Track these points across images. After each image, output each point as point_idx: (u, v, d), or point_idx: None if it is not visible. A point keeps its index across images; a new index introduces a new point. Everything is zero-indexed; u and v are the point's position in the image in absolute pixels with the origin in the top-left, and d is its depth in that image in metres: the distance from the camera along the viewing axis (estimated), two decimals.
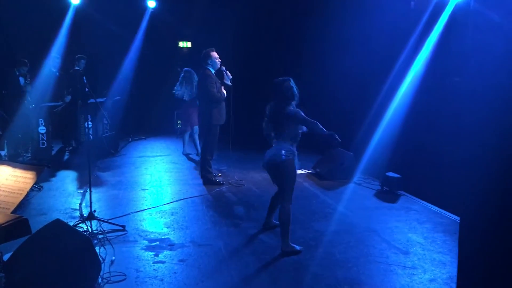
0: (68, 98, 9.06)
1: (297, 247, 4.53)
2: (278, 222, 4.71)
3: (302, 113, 4.54)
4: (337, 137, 4.65)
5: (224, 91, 6.78)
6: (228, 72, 6.83)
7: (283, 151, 4.48)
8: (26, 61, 8.59)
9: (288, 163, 4.49)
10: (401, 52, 7.36)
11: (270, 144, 4.68)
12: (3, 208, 2.73)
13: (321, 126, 4.57)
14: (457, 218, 5.04)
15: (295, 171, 4.58)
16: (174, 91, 8.81)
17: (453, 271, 3.68)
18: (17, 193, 2.78)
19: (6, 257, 3.41)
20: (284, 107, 4.53)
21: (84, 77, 8.24)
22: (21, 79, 8.48)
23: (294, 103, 4.61)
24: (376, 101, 7.66)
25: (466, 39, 3.06)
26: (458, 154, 4.95)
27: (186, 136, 8.93)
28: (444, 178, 5.78)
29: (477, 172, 2.87)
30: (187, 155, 8.97)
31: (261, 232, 5.00)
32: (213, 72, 6.75)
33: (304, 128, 4.63)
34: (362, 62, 7.97)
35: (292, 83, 4.61)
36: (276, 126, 4.58)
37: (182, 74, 8.76)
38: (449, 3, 6.63)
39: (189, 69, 8.74)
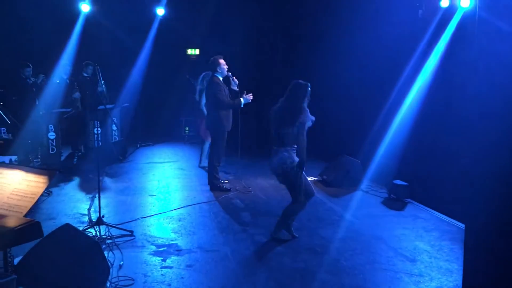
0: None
1: (285, 237, 4.91)
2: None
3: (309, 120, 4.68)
4: (303, 169, 4.76)
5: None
6: (234, 78, 6.90)
7: (286, 161, 4.68)
8: (27, 62, 8.71)
9: (292, 172, 4.69)
10: (408, 61, 7.38)
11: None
12: (16, 211, 2.79)
13: (305, 149, 4.71)
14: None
15: (303, 176, 4.75)
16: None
17: (460, 279, 3.67)
18: (30, 197, 2.83)
19: (16, 260, 3.46)
20: (296, 104, 4.70)
21: (98, 83, 8.40)
22: (31, 80, 8.59)
23: (305, 104, 4.76)
24: (384, 109, 7.68)
25: (473, 47, 3.08)
26: (466, 162, 4.96)
27: (206, 147, 8.29)
28: (451, 186, 5.78)
29: (483, 180, 2.89)
30: (203, 168, 8.34)
31: (268, 238, 5.01)
32: (221, 79, 6.82)
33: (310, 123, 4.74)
34: (370, 70, 8.00)
35: (309, 88, 4.82)
36: (280, 127, 4.74)
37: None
38: (457, 12, 6.65)
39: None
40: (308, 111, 4.77)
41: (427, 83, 7.13)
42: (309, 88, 4.82)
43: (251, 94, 6.81)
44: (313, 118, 4.79)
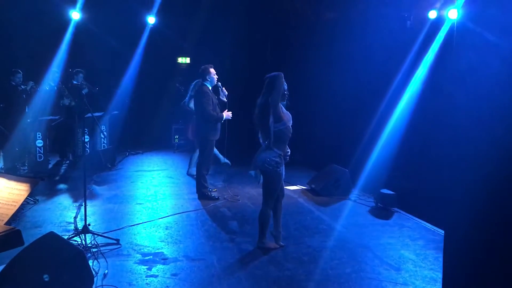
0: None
1: (271, 245, 4.94)
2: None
3: (280, 111, 4.68)
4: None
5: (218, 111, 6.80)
6: (224, 88, 6.91)
7: (269, 161, 4.69)
8: (18, 69, 8.70)
9: (274, 174, 4.75)
10: (397, 71, 7.46)
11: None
12: None
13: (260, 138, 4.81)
14: None
15: (280, 180, 4.82)
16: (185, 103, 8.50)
17: None
18: (11, 204, 2.81)
19: None
20: (270, 98, 4.66)
21: (83, 91, 8.39)
22: (21, 87, 8.57)
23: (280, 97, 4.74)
24: (373, 119, 7.74)
25: (462, 59, 3.12)
26: (450, 171, 5.00)
27: (196, 156, 8.15)
28: (436, 195, 5.81)
29: (463, 187, 2.92)
30: (192, 176, 8.34)
31: (255, 247, 5.01)
32: (210, 88, 6.83)
33: (289, 125, 4.74)
34: (359, 81, 8.07)
35: (282, 78, 4.79)
36: (261, 123, 4.74)
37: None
38: (445, 23, 6.74)
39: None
40: (286, 114, 4.77)
41: (416, 93, 7.21)
42: (282, 78, 4.78)
43: (230, 112, 6.85)
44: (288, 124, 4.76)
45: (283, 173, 4.87)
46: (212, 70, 6.85)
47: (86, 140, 9.30)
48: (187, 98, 8.39)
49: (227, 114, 6.82)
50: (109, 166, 9.19)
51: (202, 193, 6.98)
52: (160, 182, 8.19)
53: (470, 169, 2.98)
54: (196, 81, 8.17)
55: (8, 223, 2.84)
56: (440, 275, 4.26)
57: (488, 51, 2.83)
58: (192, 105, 8.14)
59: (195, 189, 7.17)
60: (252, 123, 4.98)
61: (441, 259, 4.60)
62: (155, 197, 7.11)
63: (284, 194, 5.10)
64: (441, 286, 4.01)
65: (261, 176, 4.84)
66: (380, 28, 7.64)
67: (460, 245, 2.79)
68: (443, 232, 5.44)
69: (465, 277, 2.76)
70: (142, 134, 11.80)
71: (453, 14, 6.49)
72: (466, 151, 3.06)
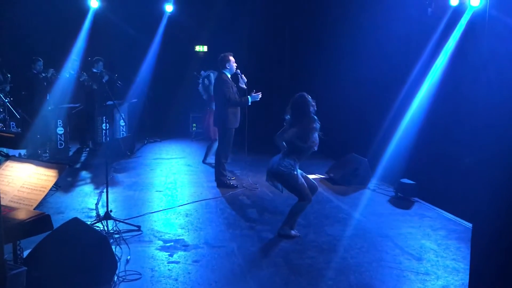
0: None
1: (293, 233, 4.94)
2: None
3: (313, 137, 4.72)
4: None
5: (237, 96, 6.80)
6: (243, 75, 6.89)
7: (283, 164, 4.75)
8: (38, 57, 8.81)
9: (289, 176, 4.77)
10: (418, 59, 7.35)
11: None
12: (26, 204, 2.81)
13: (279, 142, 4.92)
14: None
15: (298, 178, 4.81)
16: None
17: (467, 278, 3.66)
18: (40, 190, 2.86)
19: (25, 253, 3.50)
20: (303, 119, 4.73)
21: (104, 79, 8.48)
22: (42, 75, 8.69)
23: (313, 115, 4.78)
24: (393, 108, 7.65)
25: (483, 47, 3.07)
26: (474, 161, 4.94)
27: (214, 146, 8.22)
28: (459, 186, 5.76)
29: (491, 179, 2.88)
30: (209, 164, 8.40)
31: (275, 235, 5.03)
32: (229, 76, 6.83)
33: (315, 148, 4.81)
34: (379, 69, 7.97)
35: (308, 97, 4.81)
36: (291, 137, 4.78)
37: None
38: (467, 10, 6.61)
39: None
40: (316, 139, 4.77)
41: (436, 82, 7.10)
42: (309, 98, 4.81)
43: (260, 93, 6.82)
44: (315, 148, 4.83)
45: (299, 173, 4.88)
46: (232, 58, 6.83)
47: (105, 128, 9.40)
48: (199, 88, 8.43)
49: (254, 95, 6.76)
50: (128, 153, 9.27)
51: (221, 181, 7.01)
52: (179, 170, 8.25)
53: (493, 159, 2.94)
54: (207, 72, 8.31)
55: (35, 208, 2.89)
56: (462, 265, 4.26)
57: (511, 38, 2.78)
58: (205, 95, 8.28)
59: (213, 177, 7.21)
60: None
61: (463, 250, 4.61)
62: (174, 184, 7.17)
63: (316, 188, 5.09)
64: (463, 276, 4.01)
65: (279, 184, 4.90)
66: (400, 15, 7.52)
67: (489, 239, 2.76)
68: (465, 222, 5.43)
69: (493, 270, 2.73)
70: (160, 122, 11.86)
71: (475, 1, 6.37)
72: (489, 140, 3.02)
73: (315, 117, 4.80)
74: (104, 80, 8.48)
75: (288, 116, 4.89)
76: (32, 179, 2.92)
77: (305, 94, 4.84)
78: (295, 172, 4.78)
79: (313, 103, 4.82)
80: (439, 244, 4.84)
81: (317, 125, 4.76)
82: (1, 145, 3.24)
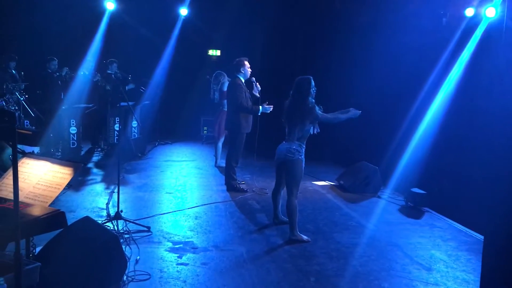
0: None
1: (305, 237, 5.00)
2: (287, 218, 5.14)
3: (318, 110, 4.95)
4: (357, 112, 5.34)
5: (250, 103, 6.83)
6: (257, 84, 6.87)
7: (292, 151, 4.94)
8: (53, 57, 8.92)
9: (296, 163, 4.95)
10: (432, 69, 7.33)
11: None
12: (42, 201, 2.86)
13: (340, 116, 5.13)
14: (483, 237, 4.98)
15: (302, 170, 5.04)
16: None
17: None
18: (55, 187, 2.90)
19: (37, 250, 3.54)
20: (302, 102, 4.94)
21: (128, 86, 8.66)
22: (56, 74, 8.80)
23: (311, 99, 4.99)
24: (406, 119, 7.62)
25: (499, 58, 3.05)
26: (486, 173, 4.90)
27: (219, 146, 8.56)
28: (470, 197, 5.72)
29: (504, 191, 2.86)
30: (220, 167, 8.36)
31: (284, 240, 5.03)
32: (243, 81, 6.84)
33: (316, 129, 5.03)
34: (393, 79, 7.95)
35: (312, 81, 5.05)
36: (290, 123, 5.02)
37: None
38: (482, 21, 6.59)
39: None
40: (318, 108, 4.96)
41: (450, 92, 7.07)
42: (312, 81, 5.03)
43: (272, 106, 6.80)
44: (317, 130, 5.06)
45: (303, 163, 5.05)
46: (247, 63, 6.85)
47: (117, 128, 9.48)
48: (211, 93, 8.59)
49: (265, 107, 6.75)
50: (139, 155, 9.33)
51: (231, 185, 7.03)
52: (189, 172, 8.28)
53: (507, 171, 2.93)
54: (216, 72, 8.53)
55: (50, 205, 2.93)
56: (472, 277, 4.22)
57: None
58: (217, 94, 8.45)
59: (223, 181, 7.23)
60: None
61: (473, 261, 4.57)
62: (184, 187, 7.20)
63: None
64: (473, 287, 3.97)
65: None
66: (415, 25, 7.51)
67: (501, 252, 2.73)
68: (476, 234, 5.39)
69: (503, 284, 2.71)
70: (171, 125, 11.91)
71: (490, 12, 6.36)
72: (504, 152, 3.00)
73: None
74: (127, 88, 8.61)
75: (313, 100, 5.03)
76: (47, 176, 2.96)
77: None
78: (301, 157, 4.97)
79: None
80: (449, 255, 4.81)
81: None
82: (19, 142, 3.29)
